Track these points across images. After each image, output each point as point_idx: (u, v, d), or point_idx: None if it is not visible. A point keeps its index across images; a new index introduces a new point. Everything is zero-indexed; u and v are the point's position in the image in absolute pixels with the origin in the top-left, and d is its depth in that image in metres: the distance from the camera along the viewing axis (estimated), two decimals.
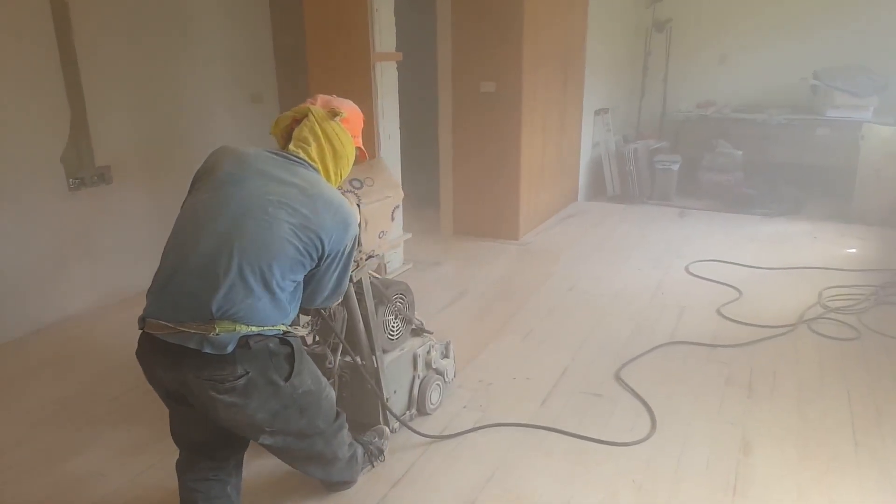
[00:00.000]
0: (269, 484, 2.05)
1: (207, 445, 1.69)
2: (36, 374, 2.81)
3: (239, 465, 1.77)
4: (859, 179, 5.02)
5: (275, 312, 1.53)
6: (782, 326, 3.13)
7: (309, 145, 1.68)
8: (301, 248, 1.52)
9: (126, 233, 3.51)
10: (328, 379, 1.86)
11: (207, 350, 1.44)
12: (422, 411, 2.36)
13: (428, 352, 2.36)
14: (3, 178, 3.01)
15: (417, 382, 2.32)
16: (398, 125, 3.79)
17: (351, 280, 1.89)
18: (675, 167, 5.72)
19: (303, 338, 1.94)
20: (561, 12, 4.83)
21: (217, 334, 1.44)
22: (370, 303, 2.04)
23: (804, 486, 2.02)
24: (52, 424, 2.42)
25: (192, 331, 1.44)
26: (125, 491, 2.04)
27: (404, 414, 2.28)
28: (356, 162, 1.86)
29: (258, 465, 2.10)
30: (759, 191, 5.52)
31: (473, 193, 4.64)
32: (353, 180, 2.00)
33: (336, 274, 1.66)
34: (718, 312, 3.33)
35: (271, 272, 1.49)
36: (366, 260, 2.01)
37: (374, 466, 2.07)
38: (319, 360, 2.00)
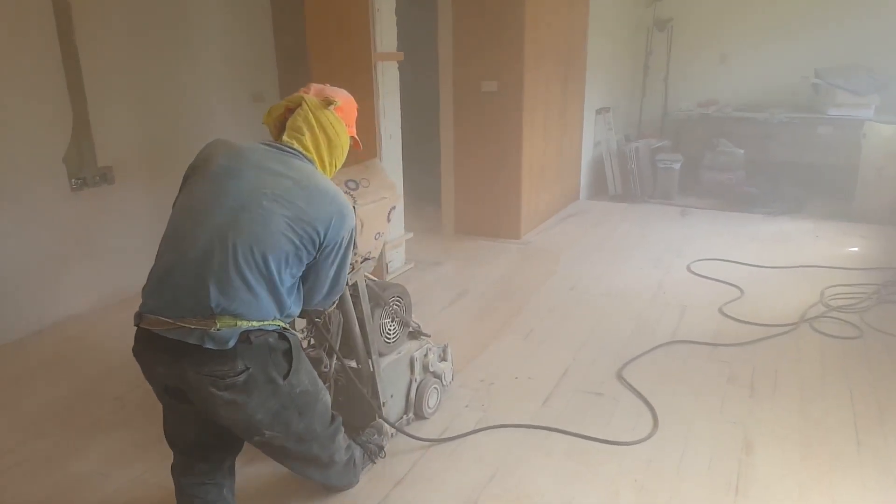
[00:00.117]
0: (269, 485, 2.05)
1: (202, 447, 1.69)
2: (37, 374, 2.82)
3: (232, 468, 1.77)
4: (861, 178, 5.01)
5: (274, 307, 1.53)
6: (784, 325, 3.13)
7: (303, 135, 1.66)
8: (297, 242, 1.51)
9: (128, 233, 3.52)
10: (324, 383, 1.85)
11: (208, 345, 1.43)
12: (419, 415, 2.33)
13: (425, 355, 2.33)
14: (5, 179, 3.01)
15: (414, 386, 2.29)
16: (399, 125, 3.79)
17: (347, 283, 1.87)
18: (677, 166, 5.72)
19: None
20: (562, 11, 4.83)
21: (218, 329, 1.44)
22: (366, 306, 2.02)
23: (806, 485, 2.01)
24: (53, 424, 2.42)
25: (193, 326, 1.44)
26: (126, 491, 2.05)
27: (401, 418, 2.25)
28: (351, 151, 1.84)
29: (258, 467, 2.11)
30: (761, 189, 5.52)
31: (475, 193, 4.64)
32: (348, 181, 1.98)
33: (334, 268, 1.64)
34: (720, 311, 3.33)
35: (268, 266, 1.49)
36: (361, 262, 1.98)
37: (374, 463, 2.07)
38: (315, 363, 1.99)
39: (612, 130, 5.90)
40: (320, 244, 1.56)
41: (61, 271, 3.31)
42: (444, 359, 2.45)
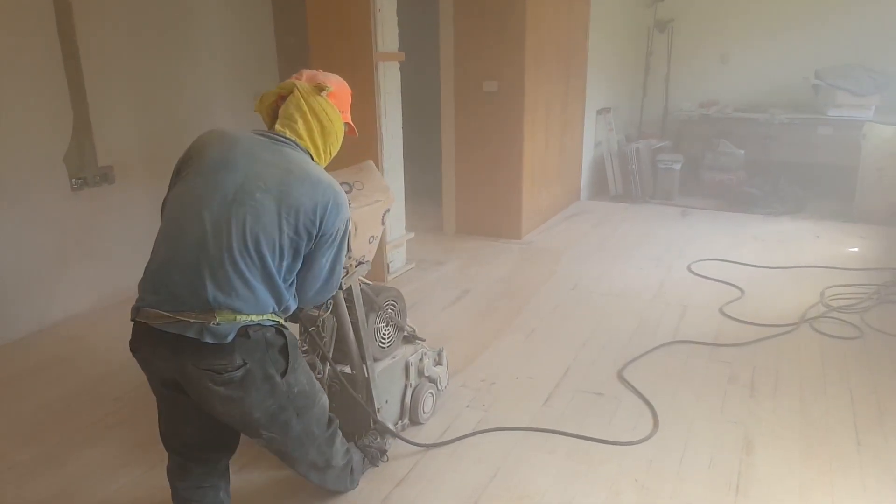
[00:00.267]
0: (266, 487, 2.05)
1: (197, 446, 1.68)
2: (37, 374, 2.82)
3: (227, 470, 1.76)
4: (861, 178, 5.01)
5: (272, 300, 1.52)
6: (785, 325, 3.13)
7: (295, 122, 1.64)
8: (292, 232, 1.50)
9: (128, 233, 3.52)
10: None
11: (207, 339, 1.43)
12: (414, 421, 2.30)
13: (420, 359, 2.30)
14: (5, 178, 3.01)
15: (410, 391, 2.26)
16: (401, 125, 3.80)
17: (341, 287, 1.84)
18: (678, 166, 5.72)
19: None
20: (563, 12, 4.83)
21: (217, 324, 1.43)
22: (360, 310, 1.99)
23: (806, 485, 2.02)
24: (53, 425, 2.43)
25: (192, 320, 1.43)
26: (126, 491, 2.05)
27: (396, 424, 2.22)
28: (348, 141, 1.81)
29: (255, 469, 2.11)
30: (762, 190, 5.52)
31: (476, 192, 4.64)
32: (341, 184, 1.97)
33: (328, 261, 1.61)
34: (721, 311, 3.33)
35: (264, 259, 1.48)
36: (356, 266, 1.95)
37: (377, 466, 2.06)
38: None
39: (613, 131, 5.91)
40: (317, 233, 1.54)
41: (61, 271, 3.31)
42: (439, 363, 2.42)
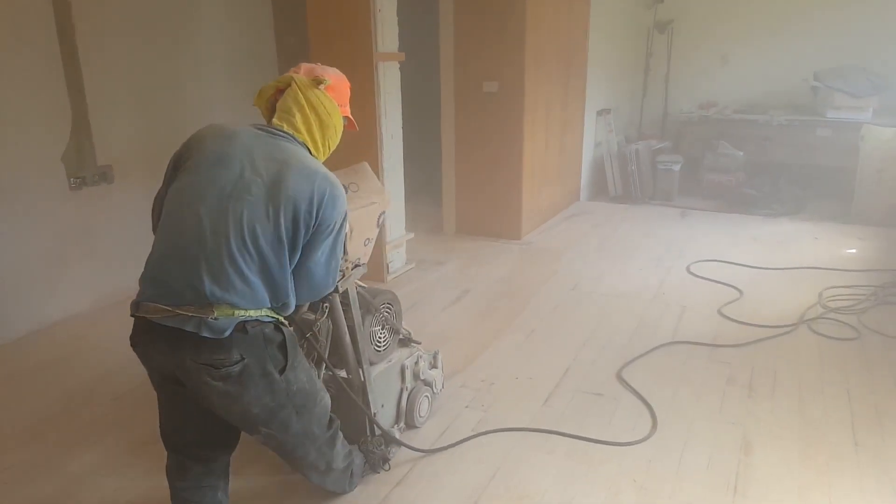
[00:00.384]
0: (264, 488, 2.05)
1: (197, 443, 1.68)
2: (37, 373, 2.81)
3: (227, 469, 1.76)
4: (859, 180, 5.03)
5: (269, 295, 1.52)
6: (783, 326, 3.14)
7: (293, 116, 1.63)
8: (288, 225, 1.50)
9: (127, 232, 3.52)
10: None
11: (205, 334, 1.43)
12: (410, 424, 2.28)
13: (416, 363, 2.28)
14: (3, 178, 3.01)
15: (406, 395, 2.24)
16: (401, 125, 3.80)
17: (337, 290, 1.83)
18: (677, 167, 5.73)
19: None
20: (563, 13, 4.84)
21: (216, 318, 1.43)
22: (357, 314, 1.96)
23: (805, 485, 2.02)
24: (53, 424, 2.43)
25: (191, 314, 1.43)
26: (126, 491, 2.05)
27: (392, 428, 2.20)
28: (347, 136, 1.80)
29: (253, 470, 2.11)
30: (761, 191, 5.53)
31: (476, 193, 4.65)
32: None
33: (325, 254, 1.59)
34: (719, 312, 3.34)
35: (261, 252, 1.48)
36: (352, 269, 1.92)
37: (377, 473, 2.04)
38: None
39: (613, 132, 5.92)
40: (313, 224, 1.53)
41: (60, 271, 3.31)
42: (434, 366, 2.41)
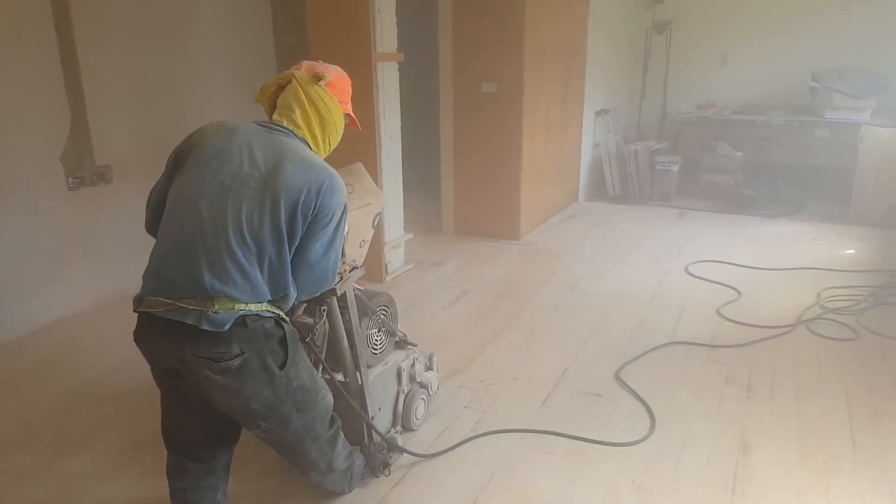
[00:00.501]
0: (263, 489, 2.05)
1: (197, 442, 1.68)
2: (35, 374, 2.81)
3: (227, 470, 1.75)
4: (858, 181, 5.04)
5: (268, 288, 1.53)
6: (781, 327, 3.14)
7: (293, 112, 1.64)
8: (287, 217, 1.50)
9: (126, 233, 3.51)
10: None
11: (205, 327, 1.44)
12: (407, 427, 2.27)
13: (412, 365, 2.27)
14: (1, 178, 3.01)
15: (402, 398, 2.23)
16: (399, 125, 3.80)
17: (335, 293, 1.83)
18: (675, 168, 5.74)
19: None
20: (562, 13, 4.84)
21: (216, 312, 1.44)
22: (354, 317, 1.96)
23: (803, 486, 2.02)
24: (51, 425, 2.42)
25: (191, 307, 1.44)
26: (125, 491, 2.05)
27: (389, 431, 2.20)
28: (347, 130, 1.80)
29: (254, 469, 2.11)
30: (759, 192, 5.53)
31: (475, 193, 4.65)
32: None
33: (323, 246, 1.58)
34: (718, 313, 3.34)
35: (260, 245, 1.49)
36: (350, 272, 1.92)
37: (377, 477, 2.03)
38: None
39: (612, 132, 5.92)
40: (312, 213, 1.53)
41: (58, 271, 3.31)
42: (429, 368, 2.40)
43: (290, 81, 1.67)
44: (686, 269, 4.01)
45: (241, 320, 1.48)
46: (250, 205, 1.49)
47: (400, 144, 3.84)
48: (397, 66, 3.71)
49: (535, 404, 2.49)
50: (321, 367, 1.91)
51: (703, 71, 6.51)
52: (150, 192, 1.67)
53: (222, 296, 1.45)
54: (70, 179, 3.28)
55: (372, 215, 2.12)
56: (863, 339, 3.03)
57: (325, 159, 1.72)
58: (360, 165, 2.19)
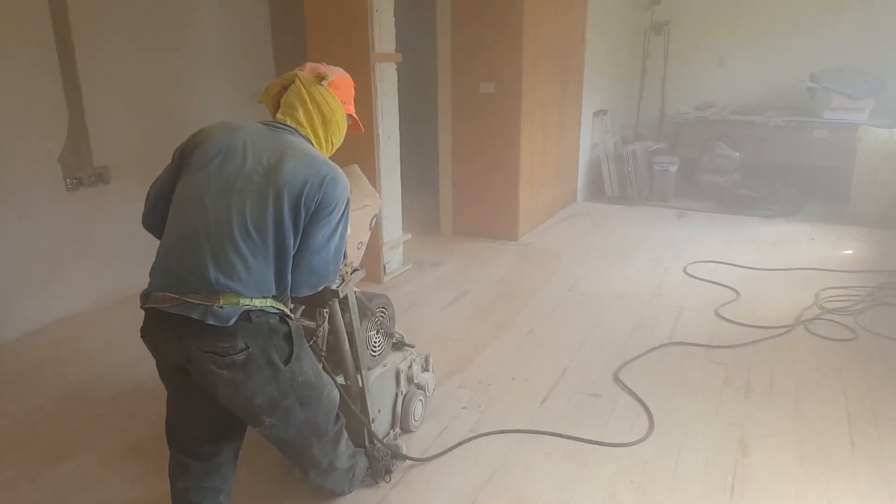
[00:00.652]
0: (263, 489, 2.05)
1: (201, 439, 1.67)
2: (33, 374, 2.80)
3: (229, 472, 1.74)
4: (856, 181, 5.04)
5: (273, 281, 1.54)
6: (780, 327, 3.14)
7: (296, 110, 1.67)
8: (290, 210, 1.52)
9: (124, 233, 3.50)
10: None
11: (211, 321, 1.45)
12: (405, 428, 2.27)
13: (409, 366, 2.27)
14: (0, 179, 3.00)
15: (400, 399, 2.23)
16: (398, 126, 3.80)
17: (336, 295, 1.84)
18: (674, 168, 5.74)
19: None
20: (560, 14, 4.84)
21: (221, 307, 1.46)
22: (356, 318, 1.96)
23: (801, 486, 2.03)
24: (49, 425, 2.42)
25: (197, 301, 1.46)
26: (123, 492, 2.04)
27: (388, 434, 2.20)
28: (350, 132, 1.82)
29: (252, 469, 2.10)
30: (757, 192, 5.54)
31: (473, 194, 4.65)
32: None
33: (325, 238, 1.58)
34: (716, 313, 3.34)
35: (265, 238, 1.50)
36: (351, 273, 1.91)
37: (376, 483, 2.02)
38: None
39: (610, 133, 5.92)
40: (314, 204, 1.54)
41: (57, 272, 3.30)
42: (426, 369, 2.40)
43: (293, 82, 1.70)
44: (684, 270, 4.01)
45: (246, 315, 1.49)
46: (254, 199, 1.51)
47: (398, 145, 3.83)
48: (396, 66, 3.70)
49: (533, 405, 2.49)
50: (322, 369, 1.90)
51: (701, 71, 6.51)
52: (151, 186, 1.69)
53: (227, 290, 1.47)
54: (68, 180, 3.28)
55: (369, 217, 2.12)
56: (861, 339, 3.04)
57: (329, 157, 1.74)
58: (356, 167, 2.19)
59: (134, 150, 3.57)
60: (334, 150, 1.78)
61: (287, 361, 1.57)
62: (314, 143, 1.70)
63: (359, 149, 3.49)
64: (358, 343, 1.98)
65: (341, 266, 1.75)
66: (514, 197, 4.55)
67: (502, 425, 2.35)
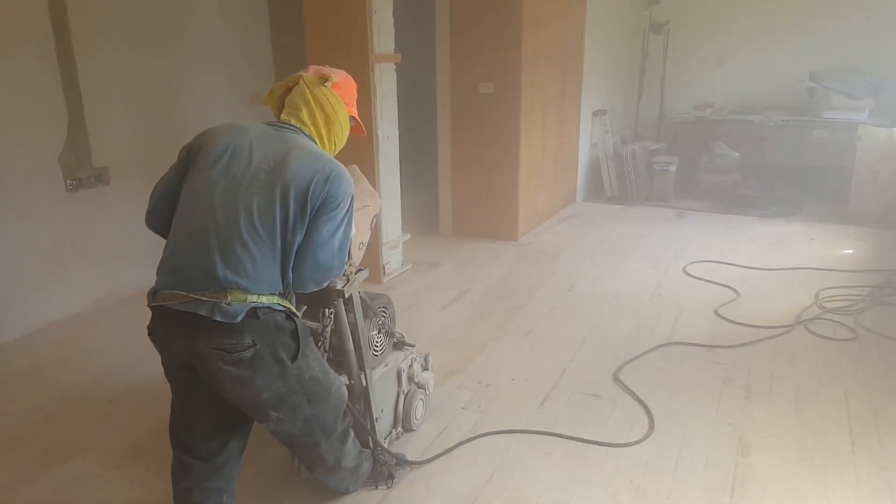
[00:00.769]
0: (263, 490, 2.05)
1: (205, 436, 1.67)
2: (33, 375, 2.80)
3: (233, 473, 1.74)
4: (855, 181, 5.04)
5: (279, 277, 1.55)
6: (779, 327, 3.14)
7: (300, 111, 1.70)
8: (295, 206, 1.53)
9: (124, 234, 3.51)
10: None
11: (218, 318, 1.46)
12: (407, 427, 2.28)
13: (410, 365, 2.28)
14: (0, 179, 3.00)
15: (402, 399, 2.24)
16: (397, 126, 3.80)
17: (342, 295, 1.85)
18: (673, 168, 5.74)
19: None
20: (559, 14, 4.84)
21: (229, 303, 1.47)
22: (360, 318, 1.96)
23: (801, 486, 2.02)
24: (49, 426, 2.42)
25: (205, 298, 1.47)
26: (123, 493, 2.04)
27: (391, 433, 2.20)
28: (352, 133, 1.85)
29: (254, 470, 2.10)
30: (757, 192, 5.54)
31: (472, 194, 4.65)
32: None
33: (330, 232, 1.58)
34: (716, 313, 3.34)
35: (272, 234, 1.52)
36: (356, 273, 1.92)
37: (375, 488, 2.02)
38: None
39: (609, 133, 5.92)
40: (319, 199, 1.55)
41: (56, 272, 3.30)
42: (425, 368, 2.41)
43: (297, 83, 1.74)
44: (684, 270, 4.01)
45: (253, 312, 1.50)
46: (261, 196, 1.52)
47: (397, 145, 3.83)
48: (395, 66, 3.70)
49: (533, 405, 2.49)
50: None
51: (700, 71, 6.52)
52: (155, 186, 1.70)
53: (235, 287, 1.48)
54: (68, 181, 3.28)
55: (370, 217, 2.13)
56: (861, 338, 3.04)
57: (334, 153, 1.77)
58: (356, 167, 2.20)
59: (133, 151, 3.57)
60: (337, 151, 1.80)
61: (294, 358, 1.58)
62: (317, 142, 1.72)
63: (358, 149, 3.48)
64: (363, 342, 1.99)
65: (346, 265, 1.76)
66: (514, 197, 4.55)
67: (502, 425, 2.34)
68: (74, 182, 3.31)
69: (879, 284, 3.66)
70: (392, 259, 3.94)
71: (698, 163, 5.91)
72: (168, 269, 1.54)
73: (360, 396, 2.02)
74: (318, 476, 1.87)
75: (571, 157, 5.57)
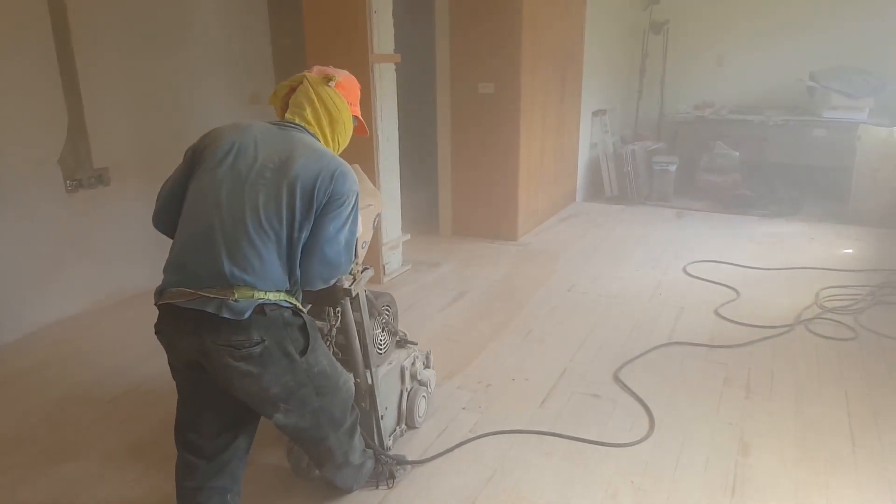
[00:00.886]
0: (263, 486, 2.05)
1: (210, 434, 1.66)
2: (33, 375, 2.80)
3: (237, 472, 1.73)
4: (855, 180, 5.04)
5: (285, 273, 1.56)
6: (780, 327, 3.14)
7: (304, 110, 1.72)
8: (301, 204, 1.54)
9: (124, 234, 3.51)
10: None
11: (226, 315, 1.46)
12: (410, 425, 2.29)
13: (412, 363, 2.30)
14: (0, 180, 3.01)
15: (405, 396, 2.26)
16: (397, 127, 3.80)
17: (349, 294, 1.86)
18: (673, 168, 5.74)
19: None
20: (559, 14, 4.85)
21: (236, 300, 1.47)
22: (366, 317, 1.98)
23: (802, 486, 2.02)
24: (49, 426, 2.42)
25: (212, 295, 1.47)
26: (123, 493, 2.04)
27: (394, 430, 2.21)
28: (355, 134, 1.86)
29: (254, 469, 2.10)
30: (757, 192, 5.54)
31: (472, 194, 4.65)
32: None
33: (336, 229, 1.59)
34: (716, 313, 3.34)
35: (278, 232, 1.53)
36: (362, 272, 1.94)
37: (377, 487, 2.02)
38: None
39: (609, 132, 5.93)
40: (325, 197, 1.56)
41: (56, 273, 3.30)
42: (427, 366, 2.42)
43: (301, 83, 1.75)
44: (684, 270, 4.01)
45: (261, 309, 1.51)
46: (267, 193, 1.53)
47: (397, 145, 3.84)
48: (395, 67, 3.70)
49: (533, 405, 2.49)
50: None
51: (700, 71, 6.52)
52: (162, 187, 1.70)
53: (242, 284, 1.49)
54: (68, 182, 3.28)
55: (372, 216, 2.14)
56: (861, 338, 3.04)
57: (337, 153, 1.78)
58: (358, 167, 2.20)
59: (133, 152, 3.58)
60: (341, 151, 1.81)
61: (303, 353, 1.59)
62: (321, 141, 1.74)
63: (358, 149, 3.47)
64: (368, 341, 2.00)
65: (353, 262, 1.76)
66: (514, 197, 4.55)
67: (502, 425, 2.35)
68: (74, 183, 3.31)
69: (879, 284, 3.66)
70: (392, 259, 3.94)
71: (698, 163, 5.92)
72: (175, 268, 1.55)
73: (366, 394, 2.03)
74: (326, 473, 1.88)
75: (571, 157, 5.57)
